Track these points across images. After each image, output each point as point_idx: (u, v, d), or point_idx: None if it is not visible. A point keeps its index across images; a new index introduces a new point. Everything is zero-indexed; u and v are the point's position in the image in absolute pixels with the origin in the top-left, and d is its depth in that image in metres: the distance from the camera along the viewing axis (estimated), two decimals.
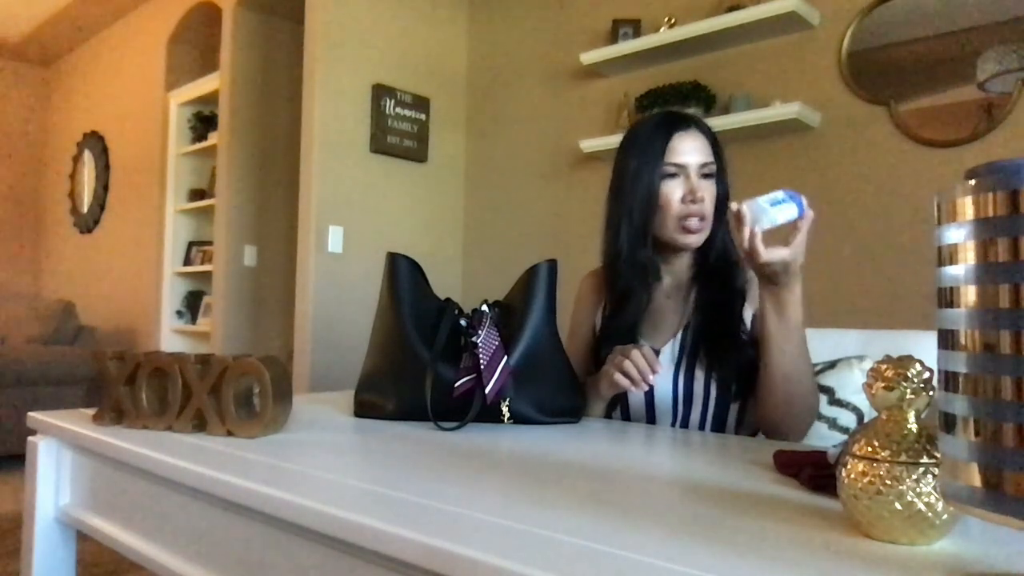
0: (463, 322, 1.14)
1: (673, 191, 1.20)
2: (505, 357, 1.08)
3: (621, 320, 1.26)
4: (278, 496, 0.64)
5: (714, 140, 1.25)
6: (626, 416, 1.25)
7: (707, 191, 1.21)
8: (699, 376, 1.19)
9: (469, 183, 3.75)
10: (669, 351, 1.23)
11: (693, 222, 1.20)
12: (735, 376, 1.18)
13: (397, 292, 1.15)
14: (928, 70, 2.29)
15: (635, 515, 0.59)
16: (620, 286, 1.26)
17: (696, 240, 1.21)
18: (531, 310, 1.12)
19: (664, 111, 1.32)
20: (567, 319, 1.36)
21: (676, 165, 1.20)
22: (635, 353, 1.10)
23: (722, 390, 1.18)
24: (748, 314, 1.22)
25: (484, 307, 1.15)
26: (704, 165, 1.21)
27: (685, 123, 1.23)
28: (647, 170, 1.21)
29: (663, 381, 1.19)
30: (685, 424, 1.21)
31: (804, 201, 0.99)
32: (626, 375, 1.09)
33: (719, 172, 1.24)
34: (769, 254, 0.98)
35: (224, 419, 0.92)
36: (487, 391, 1.05)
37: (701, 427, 1.20)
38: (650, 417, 1.23)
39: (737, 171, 1.30)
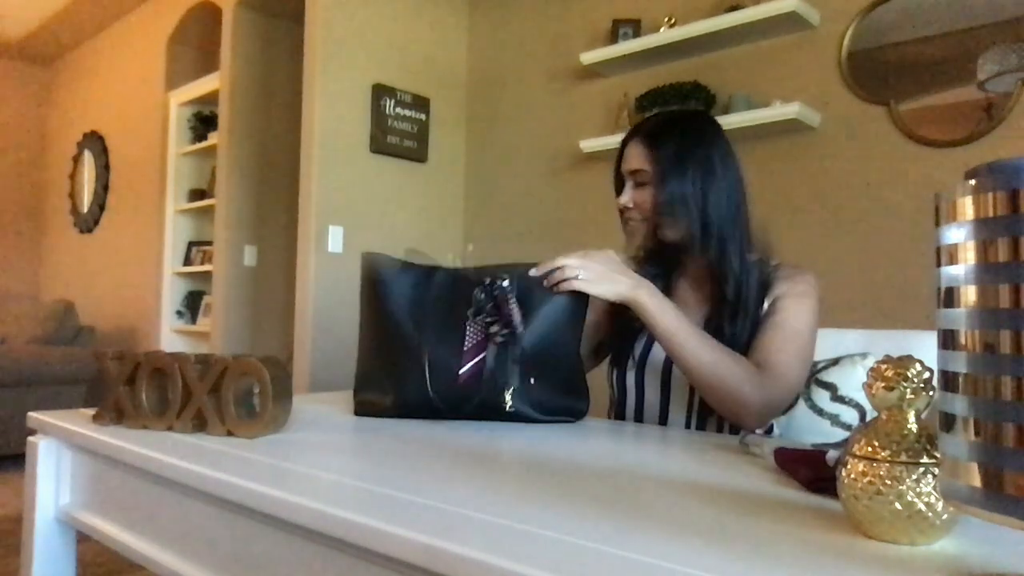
0: (480, 294, 1.09)
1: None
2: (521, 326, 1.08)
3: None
4: (278, 496, 0.64)
5: (656, 145, 1.23)
6: (640, 401, 1.26)
7: (639, 197, 1.25)
8: None
9: (469, 183, 3.75)
10: None
11: (625, 226, 1.29)
12: None
13: (376, 285, 1.13)
14: (928, 70, 2.29)
15: (635, 515, 0.59)
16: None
17: (630, 242, 1.29)
18: (544, 304, 1.10)
19: None
20: None
21: (621, 174, 1.30)
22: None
23: None
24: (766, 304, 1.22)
25: (505, 283, 1.10)
26: (633, 173, 1.26)
27: (629, 137, 1.30)
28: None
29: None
30: (701, 410, 1.21)
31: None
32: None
33: (668, 172, 1.21)
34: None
35: (224, 419, 0.92)
36: (516, 326, 1.06)
37: (720, 422, 1.21)
38: (664, 403, 1.24)
39: None
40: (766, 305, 1.21)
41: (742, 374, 1.10)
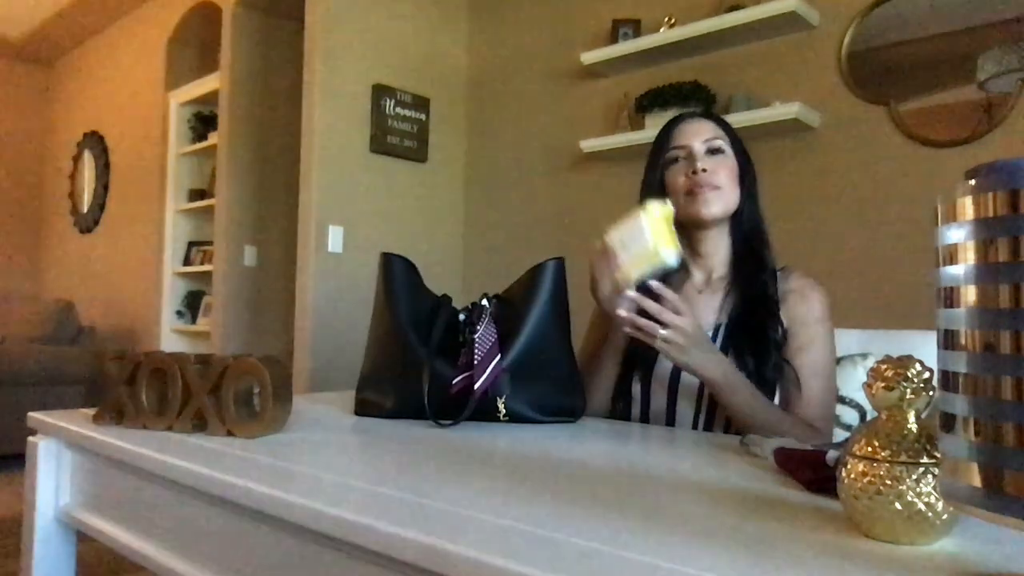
0: (462, 316, 1.13)
1: (678, 173, 1.24)
2: (499, 356, 1.07)
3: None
4: (278, 496, 0.64)
5: (722, 124, 1.27)
6: (645, 410, 1.23)
7: (716, 163, 1.21)
8: None
9: (469, 183, 3.75)
10: None
11: (699, 190, 1.20)
12: (770, 388, 1.15)
13: (392, 291, 1.14)
14: (928, 70, 2.29)
15: (635, 515, 0.59)
16: None
17: (708, 208, 1.19)
18: (532, 308, 1.10)
19: None
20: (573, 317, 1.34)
21: (678, 147, 1.24)
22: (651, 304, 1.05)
23: None
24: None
25: (484, 301, 1.14)
26: (708, 140, 1.23)
27: (689, 115, 1.29)
28: (655, 162, 1.27)
29: (692, 378, 1.15)
30: (708, 427, 1.19)
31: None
32: (640, 329, 1.04)
33: (734, 147, 1.24)
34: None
35: (224, 419, 0.92)
36: (476, 387, 1.04)
37: (726, 432, 1.19)
38: (671, 413, 1.21)
39: None
40: (781, 330, 1.18)
41: (810, 438, 1.09)
